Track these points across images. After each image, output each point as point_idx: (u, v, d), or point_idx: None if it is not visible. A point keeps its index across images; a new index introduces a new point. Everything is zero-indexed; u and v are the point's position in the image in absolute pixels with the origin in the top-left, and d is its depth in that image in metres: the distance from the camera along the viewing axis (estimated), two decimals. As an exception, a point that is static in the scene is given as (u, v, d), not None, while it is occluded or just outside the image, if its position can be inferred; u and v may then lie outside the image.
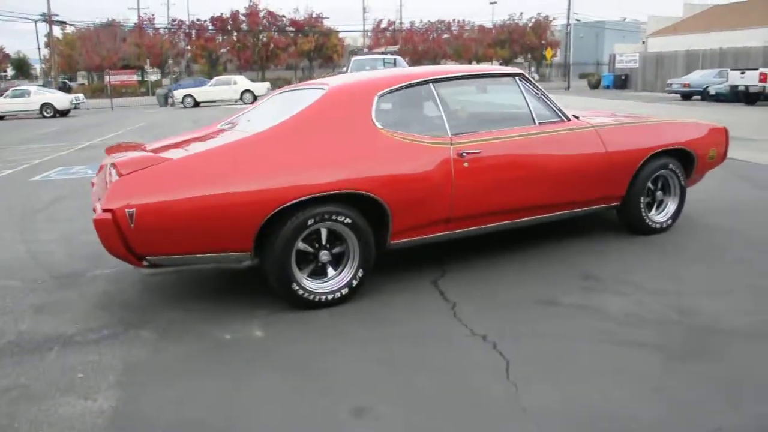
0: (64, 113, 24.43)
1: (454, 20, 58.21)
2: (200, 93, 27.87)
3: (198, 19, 53.82)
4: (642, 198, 4.47)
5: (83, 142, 14.13)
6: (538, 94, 4.16)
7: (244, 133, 3.80)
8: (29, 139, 15.37)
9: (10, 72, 68.29)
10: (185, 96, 27.43)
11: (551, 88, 35.32)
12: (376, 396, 2.58)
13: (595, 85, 35.63)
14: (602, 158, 4.19)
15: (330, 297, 3.54)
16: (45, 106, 23.77)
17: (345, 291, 3.57)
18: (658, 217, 4.66)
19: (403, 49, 55.86)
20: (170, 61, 47.38)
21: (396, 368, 2.82)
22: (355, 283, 3.59)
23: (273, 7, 55.58)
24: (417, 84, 3.88)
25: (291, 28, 54.42)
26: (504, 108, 4.43)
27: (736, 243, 4.45)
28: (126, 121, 20.16)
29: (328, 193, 3.40)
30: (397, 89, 3.82)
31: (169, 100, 28.78)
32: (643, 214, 4.52)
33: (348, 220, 3.49)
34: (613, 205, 4.46)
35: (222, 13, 52.95)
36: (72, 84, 52.15)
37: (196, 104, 27.51)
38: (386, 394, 2.59)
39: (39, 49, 50.90)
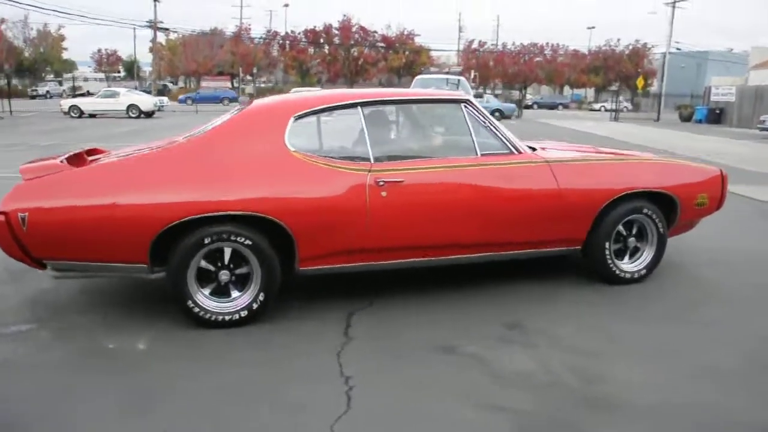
0: (149, 114, 25.89)
1: (547, 43, 57.11)
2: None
3: (292, 31, 55.74)
4: (608, 244, 4.05)
5: (148, 140, 14.84)
6: (485, 123, 3.88)
7: (168, 145, 3.79)
8: (109, 136, 16.41)
9: (122, 74, 73.44)
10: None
11: (639, 119, 34.12)
12: (191, 423, 2.46)
13: (687, 118, 33.66)
14: (552, 197, 3.83)
15: (228, 318, 3.45)
16: (131, 107, 25.31)
17: (244, 313, 3.47)
18: (630, 265, 4.22)
19: (493, 71, 55.37)
20: (255, 70, 49.16)
21: (236, 399, 2.68)
22: (255, 306, 3.47)
23: (365, 22, 56.51)
24: (342, 107, 3.73)
25: (382, 44, 55.25)
26: (445, 136, 4.16)
27: (715, 301, 3.95)
28: (203, 124, 20.85)
29: (223, 213, 3.31)
30: (319, 111, 3.68)
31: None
32: (609, 261, 4.10)
33: (248, 242, 3.39)
34: (573, 248, 4.07)
35: (315, 26, 54.64)
36: (173, 87, 55.53)
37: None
38: (202, 422, 2.46)
39: (150, 53, 54.44)
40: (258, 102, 3.82)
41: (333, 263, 3.61)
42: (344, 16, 53.75)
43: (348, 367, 2.98)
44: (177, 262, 3.34)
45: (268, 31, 55.41)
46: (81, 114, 25.81)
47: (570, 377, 2.88)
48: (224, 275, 3.46)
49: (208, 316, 3.43)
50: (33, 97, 48.11)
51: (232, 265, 3.47)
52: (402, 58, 54.09)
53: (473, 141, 3.79)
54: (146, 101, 25.98)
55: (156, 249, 3.33)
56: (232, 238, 3.37)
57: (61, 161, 3.49)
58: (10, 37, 53.25)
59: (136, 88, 36.69)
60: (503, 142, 3.86)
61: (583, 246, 4.08)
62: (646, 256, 4.24)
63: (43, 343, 3.29)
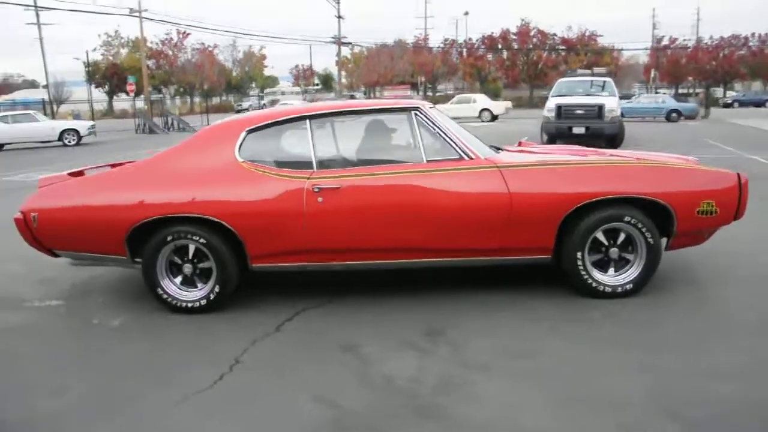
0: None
1: (753, 34, 50.42)
2: (442, 110, 29.33)
3: (469, 39, 56.20)
4: (580, 253, 3.81)
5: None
6: (435, 130, 3.90)
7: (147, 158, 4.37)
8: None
9: (318, 86, 79.93)
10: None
11: None
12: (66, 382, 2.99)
13: None
14: (501, 203, 3.72)
15: (190, 305, 3.97)
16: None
17: (203, 302, 3.96)
18: (612, 278, 3.90)
19: (688, 67, 50.50)
20: (421, 78, 50.25)
21: (128, 370, 3.15)
22: (212, 297, 3.94)
23: (543, 25, 54.91)
24: (291, 120, 4.02)
25: (562, 47, 53.36)
26: (392, 144, 4.20)
27: (694, 329, 3.45)
28: None
29: (177, 215, 3.83)
30: (270, 125, 4.02)
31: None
32: (582, 272, 3.85)
33: (203, 240, 3.87)
34: (542, 257, 3.90)
35: (492, 32, 54.47)
36: (358, 96, 59.22)
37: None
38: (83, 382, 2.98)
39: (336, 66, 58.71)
40: (216, 122, 4.28)
41: (282, 262, 3.93)
42: (522, 20, 52.93)
43: (248, 354, 3.30)
44: (147, 256, 3.93)
45: (446, 40, 56.52)
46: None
47: (428, 388, 2.85)
48: (187, 268, 3.98)
49: (174, 302, 3.97)
50: (238, 111, 54.55)
51: (196, 260, 3.97)
52: (583, 59, 51.65)
53: (420, 147, 3.85)
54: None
55: (133, 244, 3.95)
56: (190, 236, 3.88)
57: (67, 174, 4.27)
58: (222, 60, 61.06)
59: (312, 101, 39.74)
60: (453, 147, 3.85)
61: (555, 255, 3.90)
62: (634, 269, 3.89)
63: (51, 315, 4.09)
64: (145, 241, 3.93)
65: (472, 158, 3.83)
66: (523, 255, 3.87)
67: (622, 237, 3.86)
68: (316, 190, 3.76)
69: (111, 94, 57.99)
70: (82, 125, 22.39)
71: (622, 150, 5.32)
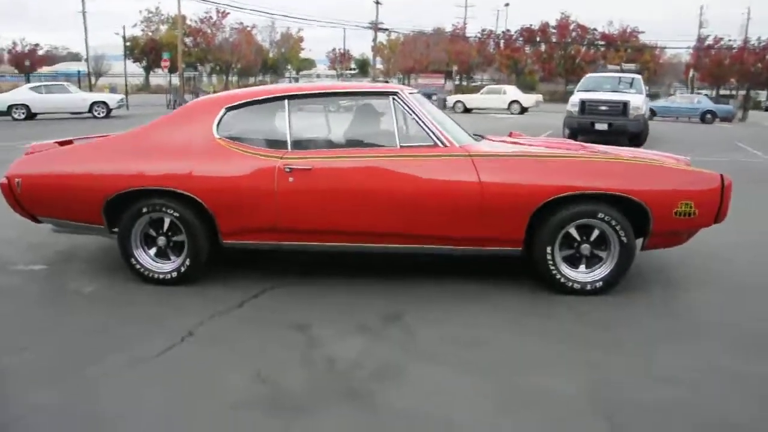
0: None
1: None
2: (470, 100, 29.19)
3: (507, 30, 55.38)
4: (550, 248, 3.76)
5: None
6: (412, 116, 3.88)
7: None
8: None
9: (354, 71, 79.91)
10: (456, 101, 29.01)
11: None
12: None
13: None
14: (470, 192, 3.68)
15: (161, 276, 4.05)
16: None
17: (174, 275, 4.03)
18: (582, 275, 3.84)
19: (731, 68, 49.03)
20: (455, 67, 49.78)
21: (84, 336, 3.23)
22: (182, 269, 4.01)
23: (584, 19, 53.86)
24: (270, 99, 4.04)
25: (601, 42, 52.27)
26: (368, 128, 4.16)
27: (656, 332, 3.35)
28: None
29: (151, 187, 3.89)
30: (248, 103, 4.05)
31: (446, 104, 30.64)
32: (552, 267, 3.80)
33: (176, 214, 3.93)
34: (513, 249, 3.85)
35: (531, 25, 53.61)
36: (392, 82, 59.06)
37: (466, 110, 28.79)
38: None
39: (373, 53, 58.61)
40: (198, 99, 4.32)
41: (253, 239, 3.97)
42: (562, 14, 51.97)
43: (203, 327, 3.36)
44: (123, 226, 4.01)
45: (483, 30, 55.87)
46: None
47: (366, 372, 2.85)
48: (161, 241, 4.05)
49: (146, 272, 4.05)
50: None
51: (170, 233, 4.04)
52: (623, 56, 50.49)
53: (395, 132, 3.83)
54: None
55: (110, 214, 4.02)
56: (164, 209, 3.94)
57: (54, 142, 4.36)
58: (259, 40, 61.50)
59: None
60: (428, 134, 3.82)
61: (526, 248, 3.85)
62: (606, 267, 3.82)
63: (32, 279, 4.22)
64: (122, 211, 4.00)
65: (446, 145, 3.79)
66: (493, 246, 3.83)
67: (595, 234, 3.79)
68: (288, 170, 3.78)
69: (148, 69, 58.88)
70: (112, 98, 22.86)
71: (627, 148, 5.17)
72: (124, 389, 2.70)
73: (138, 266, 4.05)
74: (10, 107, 20.72)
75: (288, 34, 65.82)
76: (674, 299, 3.91)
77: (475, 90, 36.82)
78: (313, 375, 2.84)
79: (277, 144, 3.93)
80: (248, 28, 58.32)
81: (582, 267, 3.86)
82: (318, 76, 69.14)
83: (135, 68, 56.42)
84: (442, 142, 3.80)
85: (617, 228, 3.70)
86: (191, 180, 3.86)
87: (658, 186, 3.73)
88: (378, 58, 61.86)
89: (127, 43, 52.11)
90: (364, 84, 4.43)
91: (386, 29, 50.44)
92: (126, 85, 48.07)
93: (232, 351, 3.10)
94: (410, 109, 3.88)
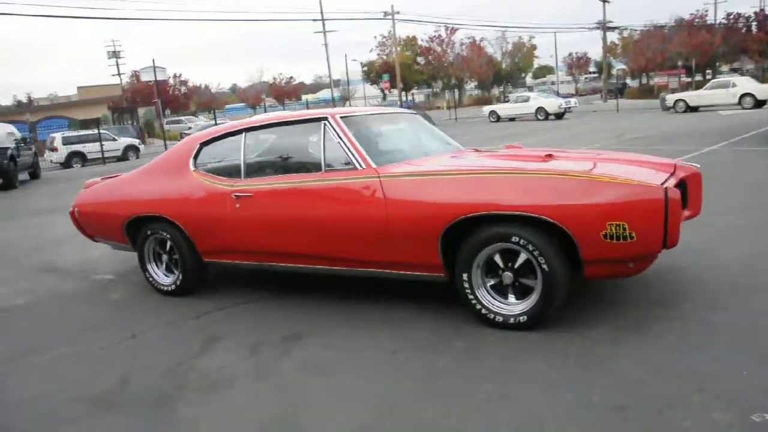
0: (558, 116, 27.07)
1: None
2: (694, 97, 25.75)
3: (761, 9, 47.15)
4: (466, 274, 3.49)
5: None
6: (337, 139, 3.89)
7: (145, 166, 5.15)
8: (488, 138, 18.63)
9: (594, 74, 75.98)
10: (677, 100, 25.92)
11: None
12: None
13: None
14: (377, 215, 3.60)
15: (164, 289, 4.76)
16: (539, 110, 27.02)
17: (173, 287, 4.72)
18: (508, 307, 3.46)
19: None
20: (693, 60, 43.72)
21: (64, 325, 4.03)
22: (178, 283, 4.67)
23: None
24: (233, 133, 4.46)
25: None
26: (303, 154, 4.20)
27: (550, 371, 2.89)
28: (603, 134, 17.60)
29: (146, 214, 4.65)
30: (217, 138, 4.53)
31: (666, 104, 27.67)
32: (470, 296, 3.50)
33: (168, 236, 4.61)
34: (436, 275, 3.64)
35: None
36: (630, 84, 54.77)
37: (690, 109, 25.61)
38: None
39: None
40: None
41: (224, 259, 4.45)
42: None
43: (147, 333, 3.94)
44: (138, 245, 4.83)
45: (729, 15, 48.52)
46: (498, 118, 28.97)
47: (206, 382, 3.11)
48: (165, 258, 4.77)
49: (155, 284, 4.82)
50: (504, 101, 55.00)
51: (172, 252, 4.72)
52: None
53: (322, 158, 3.94)
54: (552, 104, 27.24)
55: (132, 235, 4.86)
56: (161, 232, 4.65)
57: (101, 179, 5.37)
58: (491, 52, 62.26)
59: (557, 93, 38.23)
60: (352, 157, 3.81)
61: (446, 275, 3.61)
62: (533, 299, 3.39)
63: (93, 286, 5.29)
64: (137, 233, 4.81)
65: (362, 167, 3.76)
66: (412, 270, 3.70)
67: (521, 260, 3.39)
68: (235, 197, 4.17)
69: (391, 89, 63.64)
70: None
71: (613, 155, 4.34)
72: (47, 368, 3.37)
73: (150, 279, 4.82)
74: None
75: (520, 43, 65.45)
76: (618, 334, 3.33)
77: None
78: (166, 380, 3.18)
79: (234, 173, 4.34)
80: (478, 42, 59.53)
81: (511, 298, 3.51)
82: (553, 83, 67.31)
83: (373, 90, 61.44)
84: (359, 164, 3.78)
85: (535, 254, 3.27)
86: (172, 207, 4.49)
87: (577, 203, 3.14)
88: (620, 59, 58.03)
89: (364, 68, 57.23)
90: (304, 112, 4.55)
91: (615, 27, 47.02)
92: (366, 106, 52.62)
93: (133, 354, 3.61)
94: (338, 132, 3.92)
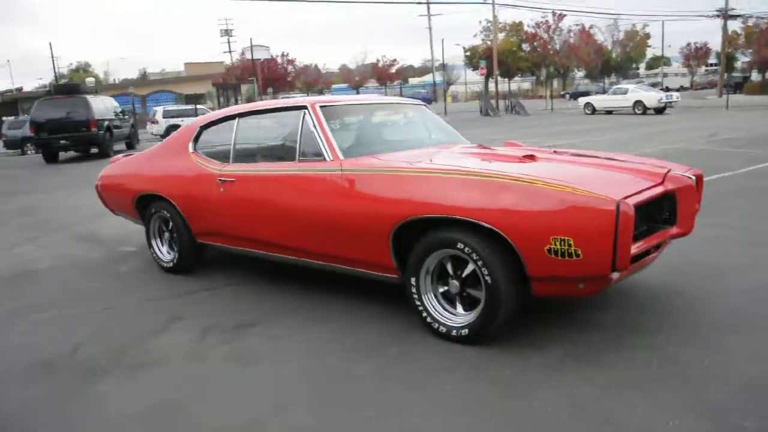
0: (658, 110, 25.43)
1: None
2: None
3: None
4: (414, 279, 3.34)
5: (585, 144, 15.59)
6: (311, 129, 3.85)
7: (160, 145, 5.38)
8: (560, 133, 17.95)
9: (713, 66, 70.49)
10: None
11: None
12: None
13: None
14: (336, 209, 3.55)
15: (165, 266, 5.00)
16: (636, 103, 25.49)
17: (170, 265, 4.95)
18: (453, 318, 3.28)
19: None
20: None
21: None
22: (175, 261, 4.89)
23: None
24: (227, 118, 4.54)
25: None
26: (283, 142, 4.15)
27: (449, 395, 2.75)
28: (695, 132, 16.95)
29: (150, 192, 4.88)
30: (214, 122, 4.64)
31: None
32: (416, 301, 3.38)
33: (168, 214, 4.83)
34: (390, 276, 3.55)
35: None
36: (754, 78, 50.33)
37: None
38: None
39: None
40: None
41: (213, 241, 4.59)
42: None
43: (132, 304, 4.20)
44: (145, 222, 5.09)
45: None
46: (594, 111, 27.64)
47: (145, 357, 3.24)
48: (166, 236, 5.00)
49: (157, 261, 5.07)
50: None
51: (173, 230, 4.94)
52: None
53: (297, 146, 3.91)
54: (651, 98, 25.60)
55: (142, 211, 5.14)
56: (162, 211, 4.87)
57: (123, 155, 5.67)
58: (601, 40, 59.28)
59: (663, 87, 35.75)
60: (323, 148, 3.76)
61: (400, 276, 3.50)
62: (476, 312, 3.20)
63: (116, 256, 5.65)
64: (144, 209, 5.07)
65: (330, 159, 3.71)
66: (369, 269, 3.64)
67: (469, 269, 3.21)
68: (220, 180, 4.29)
69: (490, 76, 62.31)
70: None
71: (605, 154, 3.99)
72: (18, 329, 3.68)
73: (154, 255, 5.08)
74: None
75: (633, 31, 61.83)
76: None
77: None
78: (114, 354, 3.35)
79: (224, 157, 4.44)
80: (588, 29, 56.81)
81: (459, 308, 3.34)
82: (665, 75, 63.24)
83: (476, 76, 60.32)
84: (328, 155, 3.73)
85: (479, 263, 3.08)
86: (171, 187, 4.70)
87: (523, 212, 2.89)
88: (741, 50, 53.52)
89: (467, 53, 56.27)
90: (289, 99, 4.48)
91: (738, 15, 43.16)
92: (466, 92, 51.96)
93: (111, 322, 3.86)
94: (314, 122, 3.88)
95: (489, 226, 2.98)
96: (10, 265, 5.50)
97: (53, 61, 50.61)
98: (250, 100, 44.10)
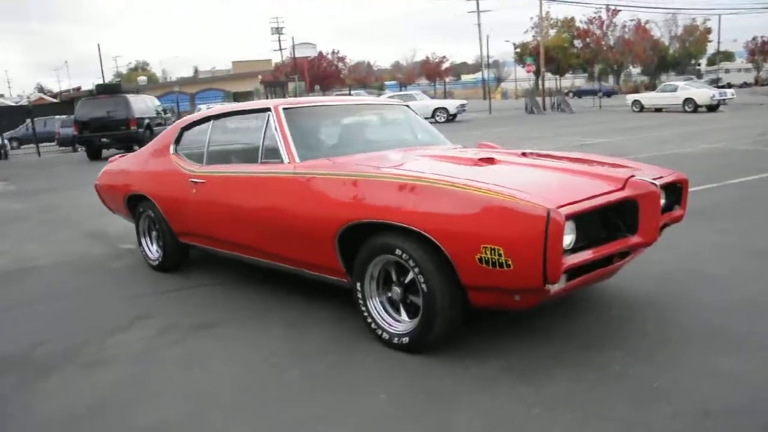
0: (711, 108, 24.39)
1: None
2: None
3: None
4: (359, 283, 3.29)
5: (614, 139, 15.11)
6: (276, 132, 3.83)
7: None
8: (616, 130, 17.46)
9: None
10: None
11: None
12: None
13: None
14: (291, 211, 3.53)
15: (152, 263, 5.11)
16: (687, 101, 24.49)
17: (156, 263, 5.06)
18: (396, 324, 3.22)
19: None
20: None
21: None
22: (160, 260, 5.00)
23: None
24: (202, 120, 4.58)
25: None
26: (250, 143, 4.11)
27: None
28: (743, 131, 15.34)
29: (135, 194, 5.03)
30: (193, 123, 4.69)
31: None
32: (361, 305, 3.32)
33: (152, 214, 4.93)
34: (340, 280, 3.52)
35: None
36: None
37: None
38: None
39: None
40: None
41: (194, 242, 4.65)
42: None
43: (110, 300, 4.30)
44: (135, 220, 5.22)
45: None
46: (642, 108, 26.72)
47: (100, 354, 3.32)
48: (153, 234, 5.10)
49: (146, 259, 5.19)
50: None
51: (153, 228, 5.07)
52: None
53: (261, 148, 3.91)
54: (703, 95, 24.53)
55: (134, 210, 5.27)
56: (146, 211, 5.00)
57: (119, 156, 5.80)
58: (657, 35, 57.27)
59: (716, 81, 34.12)
60: (282, 150, 3.76)
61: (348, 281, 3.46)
62: (416, 320, 3.11)
63: (115, 253, 5.82)
64: (134, 209, 5.20)
65: (287, 162, 3.70)
66: (320, 273, 3.61)
67: (410, 276, 3.11)
68: (192, 182, 4.34)
69: (538, 73, 61.19)
70: (452, 104, 25.12)
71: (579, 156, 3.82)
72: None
73: (143, 252, 5.20)
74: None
75: (692, 26, 59.42)
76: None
77: None
78: (63, 349, 3.43)
79: (199, 158, 4.49)
80: (644, 24, 55.01)
81: (403, 315, 3.25)
82: (727, 71, 60.58)
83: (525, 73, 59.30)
84: (285, 158, 3.72)
85: (416, 270, 2.99)
86: (154, 188, 4.80)
87: (454, 219, 2.80)
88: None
89: (517, 50, 55.38)
90: (251, 103, 4.44)
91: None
92: (516, 89, 51.11)
93: (84, 319, 3.95)
94: (277, 124, 3.87)
95: (421, 232, 2.90)
96: (10, 262, 5.71)
97: (100, 61, 52.89)
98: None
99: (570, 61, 57.08)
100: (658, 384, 2.69)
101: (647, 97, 27.13)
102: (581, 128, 19.38)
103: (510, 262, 2.63)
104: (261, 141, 3.93)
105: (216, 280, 4.66)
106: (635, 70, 64.81)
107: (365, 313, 3.33)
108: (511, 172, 3.28)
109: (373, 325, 3.30)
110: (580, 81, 66.17)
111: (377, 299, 3.32)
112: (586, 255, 2.83)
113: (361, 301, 3.34)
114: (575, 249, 2.82)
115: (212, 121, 4.54)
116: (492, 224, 2.69)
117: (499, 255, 2.65)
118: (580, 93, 54.14)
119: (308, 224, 3.44)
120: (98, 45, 77.83)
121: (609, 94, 45.39)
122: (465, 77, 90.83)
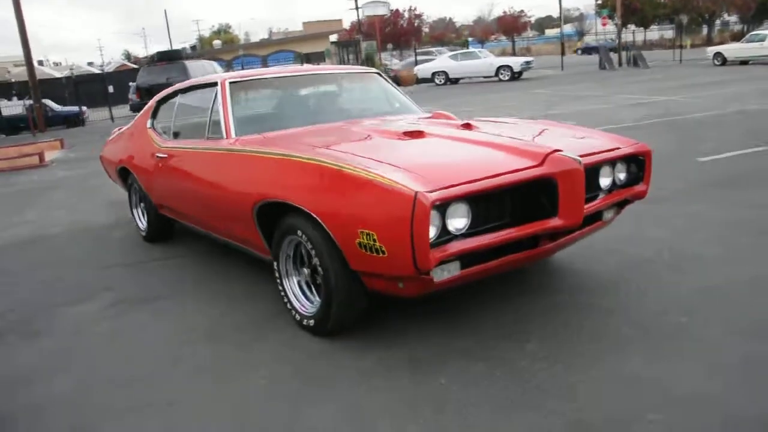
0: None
1: None
2: None
3: None
4: (276, 264, 3.31)
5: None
6: (219, 107, 3.88)
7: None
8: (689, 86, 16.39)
9: None
10: None
11: None
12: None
13: None
14: (223, 186, 3.59)
15: (142, 233, 5.38)
16: (777, 52, 22.41)
17: (144, 233, 5.31)
18: (307, 305, 3.23)
19: None
20: None
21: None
22: (148, 230, 5.23)
23: None
24: (172, 95, 4.70)
25: None
26: (203, 118, 4.10)
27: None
28: None
29: (123, 166, 5.28)
30: (166, 97, 4.81)
31: None
32: (279, 285, 3.34)
33: (137, 187, 5.16)
34: (267, 258, 3.51)
35: None
36: None
37: None
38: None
39: None
40: None
41: (168, 214, 4.83)
42: None
43: (87, 271, 4.56)
44: (127, 191, 5.51)
45: None
46: (724, 61, 24.74)
47: (70, 338, 3.54)
48: (142, 206, 5.34)
49: (137, 229, 5.47)
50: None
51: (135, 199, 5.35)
52: None
53: (208, 124, 3.97)
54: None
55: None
56: (132, 183, 5.24)
57: (119, 128, 6.03)
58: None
59: None
60: (222, 126, 3.81)
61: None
62: (319, 302, 3.11)
63: (120, 224, 6.14)
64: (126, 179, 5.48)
65: (224, 137, 3.75)
66: (252, 249, 3.67)
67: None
68: (158, 156, 4.50)
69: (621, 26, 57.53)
70: (516, 62, 24.19)
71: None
72: None
73: (135, 223, 5.48)
74: (433, 74, 24.59)
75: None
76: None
77: None
78: (16, 319, 3.71)
79: (166, 133, 4.64)
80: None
81: (316, 297, 3.22)
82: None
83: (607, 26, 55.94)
84: (224, 133, 3.77)
85: (312, 252, 2.96)
86: (133, 161, 5.03)
87: (335, 200, 2.75)
88: None
89: (598, 2, 52.18)
90: (209, 77, 4.39)
91: None
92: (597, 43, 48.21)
93: (54, 290, 4.21)
94: (222, 99, 3.91)
95: (310, 213, 2.87)
96: (30, 232, 6.13)
97: (167, 27, 54.66)
98: (369, 57, 44.31)
99: (656, 11, 53.26)
100: (537, 383, 2.58)
101: (730, 49, 24.99)
102: (650, 84, 18.19)
103: (384, 248, 2.54)
104: (209, 116, 4.00)
105: (193, 253, 4.82)
106: (732, 18, 59.67)
107: (282, 293, 3.35)
108: (422, 149, 3.14)
109: (288, 305, 3.32)
110: (668, 33, 61.63)
111: (294, 279, 3.33)
112: (479, 240, 2.67)
113: (278, 280, 3.36)
114: (476, 233, 2.69)
115: (179, 95, 4.64)
116: (366, 208, 2.60)
117: (374, 240, 2.56)
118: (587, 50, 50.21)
119: (233, 200, 3.49)
120: (164, 11, 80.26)
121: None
122: (549, 32, 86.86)
